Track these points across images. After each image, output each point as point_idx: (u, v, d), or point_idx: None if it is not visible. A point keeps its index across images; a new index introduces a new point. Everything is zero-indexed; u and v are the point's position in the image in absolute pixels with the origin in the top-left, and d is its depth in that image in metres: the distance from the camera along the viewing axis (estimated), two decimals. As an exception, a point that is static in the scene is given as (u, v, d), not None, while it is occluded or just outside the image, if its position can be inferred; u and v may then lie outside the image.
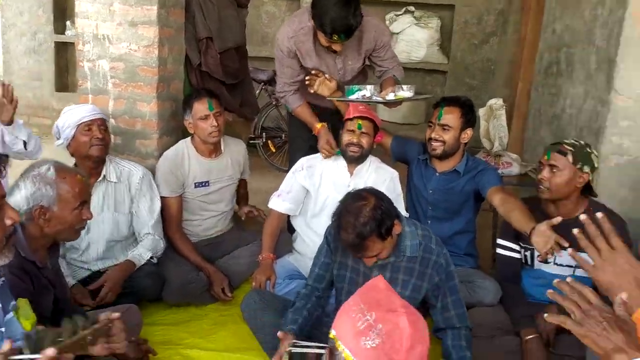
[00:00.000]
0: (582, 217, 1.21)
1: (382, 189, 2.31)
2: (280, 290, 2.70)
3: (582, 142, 2.45)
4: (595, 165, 2.42)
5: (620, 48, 2.71)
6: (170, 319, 2.67)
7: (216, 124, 2.81)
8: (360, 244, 1.99)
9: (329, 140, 2.87)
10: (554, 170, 2.39)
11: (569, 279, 1.15)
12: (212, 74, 3.24)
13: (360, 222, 1.96)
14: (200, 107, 2.81)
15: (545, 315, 1.16)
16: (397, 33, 5.58)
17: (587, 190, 2.48)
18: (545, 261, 2.42)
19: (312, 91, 2.89)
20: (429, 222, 2.84)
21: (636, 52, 2.69)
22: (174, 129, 3.14)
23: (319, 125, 2.95)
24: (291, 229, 3.07)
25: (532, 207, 2.52)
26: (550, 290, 1.17)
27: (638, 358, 1.02)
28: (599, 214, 1.20)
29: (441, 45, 5.76)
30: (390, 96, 2.69)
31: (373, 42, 2.90)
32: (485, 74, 5.71)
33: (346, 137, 2.72)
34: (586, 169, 2.37)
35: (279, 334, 1.99)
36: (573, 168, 2.37)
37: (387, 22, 5.59)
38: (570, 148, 2.39)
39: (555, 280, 1.16)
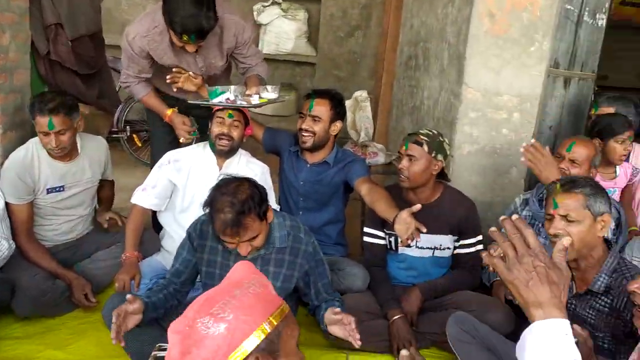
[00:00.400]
0: (502, 218, 1.09)
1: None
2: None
3: (436, 132, 2.61)
4: (448, 153, 2.61)
5: (468, 44, 2.92)
6: (22, 332, 2.45)
7: (55, 144, 2.53)
8: (240, 222, 1.91)
9: (184, 121, 2.78)
10: (412, 160, 2.52)
11: (514, 217, 1.05)
12: (64, 63, 2.99)
13: (239, 199, 1.91)
14: (41, 122, 2.51)
15: (484, 255, 1.06)
16: (265, 24, 5.56)
17: (442, 176, 2.65)
18: (408, 245, 2.56)
19: (175, 89, 2.76)
20: (301, 213, 2.87)
21: (481, 49, 2.92)
22: (21, 124, 2.85)
23: (169, 112, 2.85)
24: (157, 227, 2.94)
25: (395, 194, 2.65)
26: (492, 229, 1.07)
27: (554, 318, 0.95)
28: (515, 216, 1.08)
29: (309, 37, 5.84)
30: (255, 99, 2.63)
31: (234, 39, 2.81)
32: (352, 66, 5.89)
33: (216, 129, 2.64)
34: (440, 157, 2.54)
35: (128, 296, 1.91)
36: (428, 157, 2.52)
37: (255, 14, 5.55)
38: (425, 138, 2.53)
39: (502, 217, 1.06)
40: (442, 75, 3.25)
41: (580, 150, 2.51)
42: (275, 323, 1.01)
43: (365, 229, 2.75)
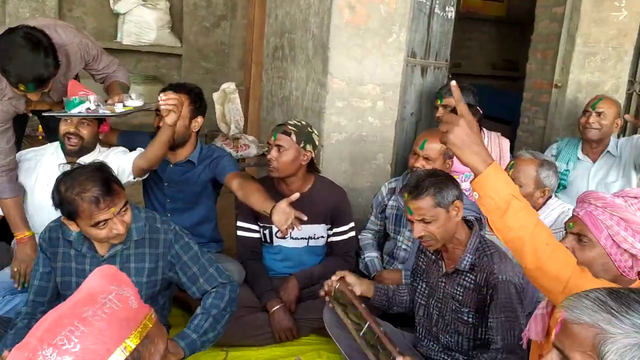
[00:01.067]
0: (452, 82, 1.50)
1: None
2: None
3: (304, 122, 2.65)
4: (317, 143, 2.65)
5: (330, 35, 2.98)
6: None
7: None
8: (110, 187, 1.79)
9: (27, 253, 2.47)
10: (281, 150, 2.53)
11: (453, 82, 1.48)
12: None
13: (96, 169, 1.81)
14: None
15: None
16: (124, 14, 5.25)
17: (312, 167, 2.70)
18: (283, 237, 2.58)
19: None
20: (169, 215, 2.75)
21: (344, 40, 3.00)
22: None
23: (28, 233, 2.51)
24: (7, 238, 2.67)
25: (267, 186, 2.65)
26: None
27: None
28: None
29: (172, 27, 5.61)
30: (119, 107, 2.45)
31: (82, 62, 2.60)
32: (221, 58, 5.77)
33: (63, 127, 2.45)
34: (309, 147, 2.57)
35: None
36: (297, 147, 2.54)
37: (111, 2, 5.21)
38: (293, 128, 2.56)
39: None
40: (309, 66, 3.30)
41: (433, 146, 2.59)
42: (134, 345, 0.94)
43: (239, 223, 2.72)
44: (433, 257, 2.22)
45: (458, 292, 2.07)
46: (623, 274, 1.49)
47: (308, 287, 2.66)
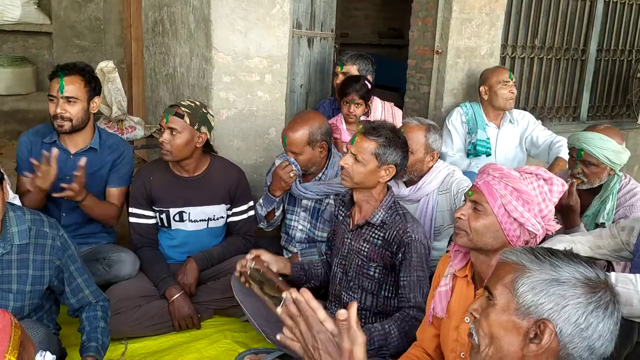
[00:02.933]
0: (289, 294, 1.06)
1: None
2: None
3: (198, 103, 2.54)
4: (212, 124, 2.55)
5: (212, 7, 2.87)
6: None
7: None
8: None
9: None
10: (174, 133, 2.42)
11: (301, 292, 1.02)
12: None
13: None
14: None
15: (279, 337, 1.06)
16: (-20, -11, 4.73)
17: (208, 147, 2.61)
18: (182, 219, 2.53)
19: None
20: (64, 214, 2.53)
21: (226, 12, 2.90)
22: None
23: None
24: None
25: (161, 169, 2.53)
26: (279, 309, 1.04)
27: None
28: (301, 292, 1.04)
29: (39, 3, 5.15)
30: None
31: None
32: (96, 34, 5.39)
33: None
34: (204, 129, 2.48)
35: None
36: (191, 129, 2.44)
37: (-36, -24, 4.67)
38: (187, 110, 2.44)
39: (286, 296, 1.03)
40: (191, 40, 3.16)
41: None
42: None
43: (131, 210, 2.58)
44: (342, 216, 2.25)
45: (364, 248, 2.13)
46: (511, 242, 1.58)
47: (208, 268, 2.59)
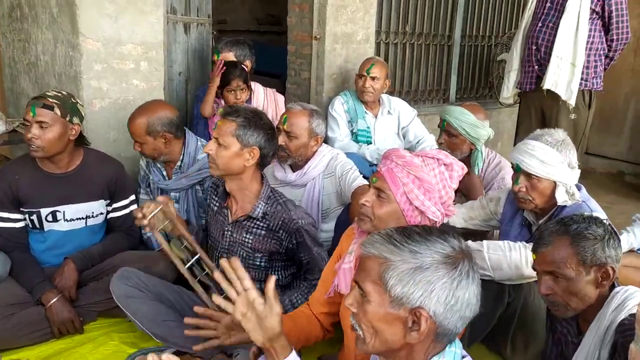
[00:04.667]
0: (222, 262, 1.33)
1: None
2: None
3: (65, 93, 2.37)
4: (83, 114, 2.40)
5: (76, -10, 2.67)
6: None
7: None
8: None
9: None
10: (44, 127, 2.24)
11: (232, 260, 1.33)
12: None
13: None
14: None
15: (214, 297, 1.34)
16: None
17: (81, 140, 2.44)
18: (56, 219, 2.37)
19: None
20: None
21: (93, -5, 2.71)
22: None
23: None
24: None
25: (29, 167, 2.34)
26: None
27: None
28: (234, 260, 1.33)
29: None
30: None
31: None
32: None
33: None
34: (76, 120, 2.32)
35: None
36: (63, 121, 2.27)
37: None
38: (56, 101, 2.27)
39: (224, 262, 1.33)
40: (55, 26, 2.92)
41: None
42: None
43: None
44: (217, 206, 2.21)
45: (247, 240, 2.12)
46: None
47: (88, 268, 2.44)
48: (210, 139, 3.16)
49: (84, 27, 2.72)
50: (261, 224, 2.10)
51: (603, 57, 3.51)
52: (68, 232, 2.45)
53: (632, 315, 1.43)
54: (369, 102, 3.51)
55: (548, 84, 3.43)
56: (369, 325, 1.13)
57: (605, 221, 1.62)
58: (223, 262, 1.28)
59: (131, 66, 2.91)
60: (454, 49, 4.77)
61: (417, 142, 3.62)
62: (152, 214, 1.96)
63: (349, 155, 2.84)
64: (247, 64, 3.26)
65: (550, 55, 3.41)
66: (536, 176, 2.08)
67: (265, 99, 3.40)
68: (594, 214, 2.01)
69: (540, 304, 2.00)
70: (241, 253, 2.14)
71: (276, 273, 2.15)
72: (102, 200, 2.50)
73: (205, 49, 3.52)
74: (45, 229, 2.41)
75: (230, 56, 3.26)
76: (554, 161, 2.06)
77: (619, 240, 1.56)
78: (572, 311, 1.56)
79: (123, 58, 2.87)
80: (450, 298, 1.09)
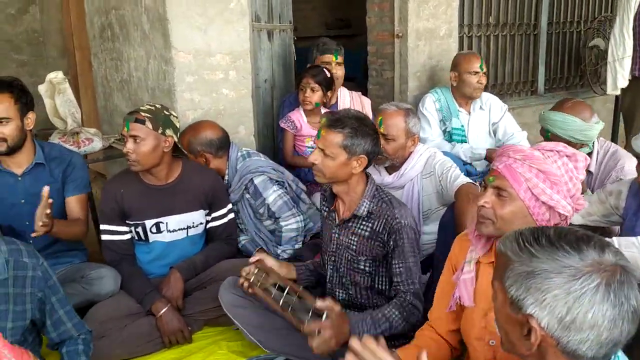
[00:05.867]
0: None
1: None
2: None
3: (159, 106, 2.40)
4: (177, 126, 2.42)
5: (167, 5, 2.72)
6: None
7: None
8: None
9: None
10: (137, 141, 2.28)
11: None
12: None
13: None
14: None
15: None
16: None
17: (177, 151, 2.47)
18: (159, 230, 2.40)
19: None
20: (31, 242, 2.31)
21: (183, 9, 2.76)
22: None
23: None
24: None
25: (131, 180, 2.40)
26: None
27: None
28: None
29: (-31, 17, 4.83)
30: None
31: None
32: (35, 47, 5.10)
33: None
34: (169, 132, 2.34)
35: None
36: (155, 134, 2.30)
37: None
38: (147, 114, 2.30)
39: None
40: (147, 42, 2.99)
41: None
42: None
43: (102, 227, 2.42)
44: (326, 211, 2.17)
45: (352, 241, 2.05)
46: None
47: (193, 277, 2.46)
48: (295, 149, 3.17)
49: (176, 41, 2.76)
50: (366, 224, 2.02)
51: None
52: (171, 242, 2.48)
53: None
54: (475, 98, 3.41)
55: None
56: (499, 326, 1.12)
57: None
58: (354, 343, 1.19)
59: (220, 76, 2.93)
60: (540, 38, 4.54)
61: (507, 140, 3.45)
62: (252, 274, 2.04)
63: (449, 155, 2.72)
64: (336, 70, 3.26)
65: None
66: None
67: (351, 102, 3.35)
68: None
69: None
70: (346, 256, 2.08)
71: (381, 280, 2.06)
72: (202, 210, 2.52)
73: (287, 55, 3.51)
74: (150, 240, 2.45)
75: (326, 58, 3.28)
76: None
77: None
78: None
79: (213, 69, 2.90)
80: (565, 314, 0.96)
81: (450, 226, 2.26)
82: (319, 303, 1.82)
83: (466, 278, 1.58)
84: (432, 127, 3.43)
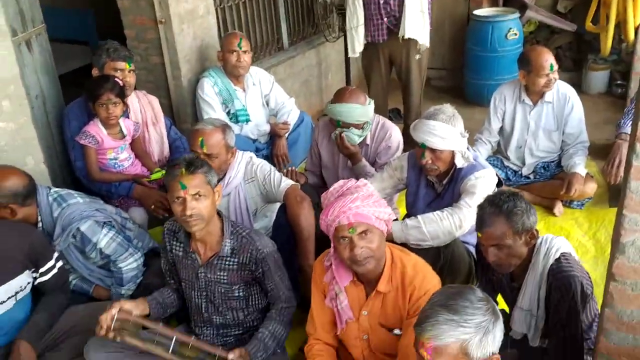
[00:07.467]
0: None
1: None
2: None
3: None
4: None
5: None
6: None
7: None
8: None
9: None
10: None
11: None
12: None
13: None
14: None
15: None
16: None
17: None
18: None
19: None
20: None
21: None
22: None
23: None
24: None
25: None
26: None
27: None
28: None
29: None
30: None
31: None
32: None
33: None
34: None
35: None
36: None
37: None
38: None
39: None
40: None
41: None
42: None
43: None
44: (181, 252, 2.27)
45: (223, 276, 2.24)
46: (383, 233, 1.99)
47: (41, 339, 2.34)
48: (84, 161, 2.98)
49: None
50: (232, 260, 2.21)
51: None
52: (2, 314, 2.28)
53: (557, 260, 2.00)
54: (241, 76, 3.59)
55: (408, 32, 3.92)
56: None
57: (521, 195, 2.10)
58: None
59: (-7, 110, 2.58)
60: (279, 1, 4.89)
61: (280, 108, 3.85)
62: (112, 322, 2.04)
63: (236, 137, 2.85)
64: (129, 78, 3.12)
65: (401, 7, 3.90)
66: (439, 150, 2.51)
67: (140, 105, 3.27)
68: (487, 170, 2.55)
69: (463, 253, 2.54)
70: (219, 289, 2.26)
71: (255, 299, 2.32)
72: (27, 271, 2.33)
73: (49, 60, 3.18)
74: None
75: (119, 65, 3.08)
76: (450, 135, 2.50)
77: (534, 208, 2.07)
78: (512, 267, 2.08)
79: (-19, 104, 2.53)
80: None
81: (286, 228, 2.62)
82: (231, 356, 2.03)
83: (344, 305, 2.00)
84: (216, 111, 3.59)
